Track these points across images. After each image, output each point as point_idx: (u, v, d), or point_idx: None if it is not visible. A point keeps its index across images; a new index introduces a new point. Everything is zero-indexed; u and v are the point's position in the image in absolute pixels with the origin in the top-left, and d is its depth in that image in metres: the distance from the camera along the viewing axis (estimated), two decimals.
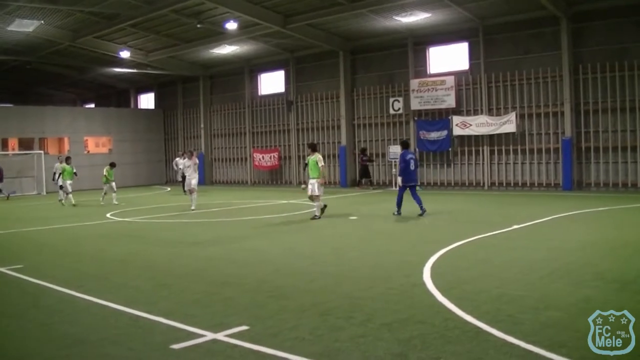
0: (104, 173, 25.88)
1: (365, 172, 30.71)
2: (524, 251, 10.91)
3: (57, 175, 26.36)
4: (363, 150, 30.81)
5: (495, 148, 27.15)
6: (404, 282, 8.66)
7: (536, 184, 26.17)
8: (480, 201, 22.07)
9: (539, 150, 26.07)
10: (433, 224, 15.59)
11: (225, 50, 34.00)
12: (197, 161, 22.53)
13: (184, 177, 29.00)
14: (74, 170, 25.91)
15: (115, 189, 25.78)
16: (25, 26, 28.76)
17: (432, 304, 7.33)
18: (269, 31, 29.36)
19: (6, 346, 6.39)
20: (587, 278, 8.46)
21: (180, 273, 10.00)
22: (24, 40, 32.24)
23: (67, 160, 26.39)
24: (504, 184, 27.04)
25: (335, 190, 28.96)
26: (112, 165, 26.66)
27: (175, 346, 6.02)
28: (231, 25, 28.26)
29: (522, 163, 26.56)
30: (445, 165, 28.89)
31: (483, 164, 27.62)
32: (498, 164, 27.24)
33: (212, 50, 34.13)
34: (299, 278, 9.26)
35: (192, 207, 20.92)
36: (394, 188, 28.72)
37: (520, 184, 26.61)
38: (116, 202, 24.86)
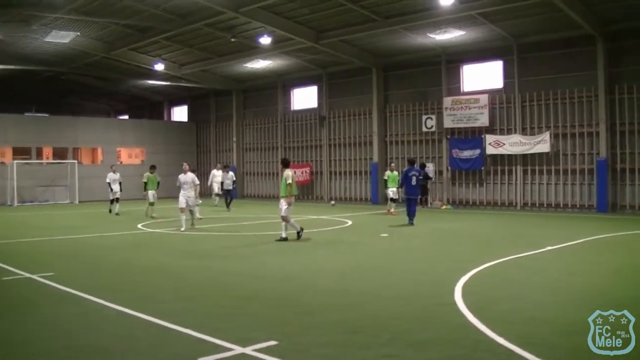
0: (144, 179, 23.82)
1: (424, 190, 27.48)
2: (556, 273, 10.68)
3: (121, 185, 25.83)
4: (422, 166, 27.61)
5: (529, 168, 26.82)
6: (434, 301, 8.54)
7: (570, 205, 25.75)
8: (512, 221, 21.78)
9: (573, 171, 25.68)
10: (465, 244, 15.39)
11: (259, 64, 34.24)
12: (193, 177, 20.57)
13: (227, 190, 28.86)
14: (159, 180, 24.17)
15: (151, 200, 23.40)
16: (61, 37, 29.32)
17: (462, 325, 7.18)
18: (302, 46, 29.53)
19: (32, 352, 6.41)
20: (622, 302, 8.20)
21: (207, 286, 10.00)
22: (60, 51, 32.92)
23: (152, 168, 24.35)
24: (537, 205, 26.66)
25: (366, 207, 28.78)
26: (152, 168, 24.39)
27: (203, 359, 5.98)
28: (265, 40, 28.48)
29: (556, 184, 26.17)
30: (477, 184, 28.59)
31: (516, 183, 27.27)
32: (531, 184, 26.88)
33: (245, 65, 34.42)
34: (326, 294, 9.18)
35: (182, 228, 18.90)
36: (428, 207, 28.55)
37: (553, 205, 26.20)
38: (154, 215, 23.28)
